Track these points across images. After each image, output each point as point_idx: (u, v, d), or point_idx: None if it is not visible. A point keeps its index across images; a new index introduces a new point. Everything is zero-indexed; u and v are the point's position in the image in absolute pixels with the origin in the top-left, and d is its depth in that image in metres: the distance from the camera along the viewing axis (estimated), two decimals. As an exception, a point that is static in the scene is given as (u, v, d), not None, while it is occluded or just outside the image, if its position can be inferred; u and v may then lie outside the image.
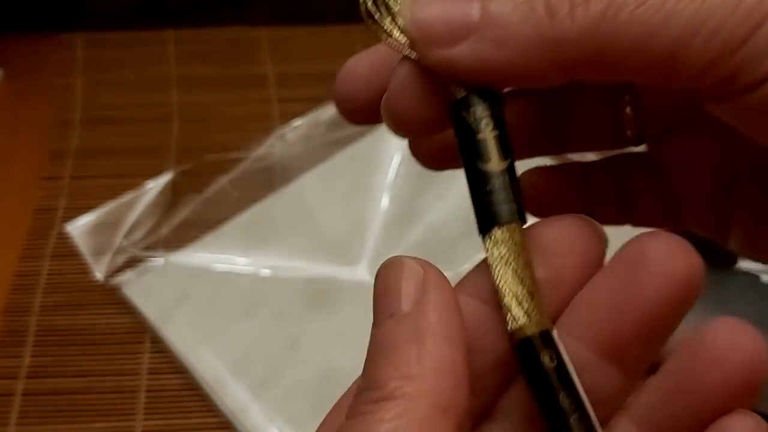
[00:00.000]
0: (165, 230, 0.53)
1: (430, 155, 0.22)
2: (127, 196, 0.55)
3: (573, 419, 0.17)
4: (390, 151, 0.58)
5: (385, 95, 0.19)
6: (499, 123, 0.18)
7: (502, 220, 0.18)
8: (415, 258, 0.17)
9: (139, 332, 0.50)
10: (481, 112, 0.18)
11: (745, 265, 0.49)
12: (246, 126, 0.62)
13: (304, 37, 0.71)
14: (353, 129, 0.60)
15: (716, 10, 0.16)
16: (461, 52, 0.17)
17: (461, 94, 0.18)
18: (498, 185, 0.18)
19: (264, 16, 0.71)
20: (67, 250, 0.53)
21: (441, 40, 0.17)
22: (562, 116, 0.22)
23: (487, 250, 0.18)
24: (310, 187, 0.57)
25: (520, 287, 0.17)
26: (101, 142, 0.62)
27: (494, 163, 0.18)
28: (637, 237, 0.17)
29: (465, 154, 0.18)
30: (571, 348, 0.17)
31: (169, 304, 0.50)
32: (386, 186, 0.56)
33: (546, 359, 0.17)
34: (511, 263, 0.17)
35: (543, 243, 0.18)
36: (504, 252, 0.17)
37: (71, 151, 0.61)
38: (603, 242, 0.18)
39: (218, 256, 0.52)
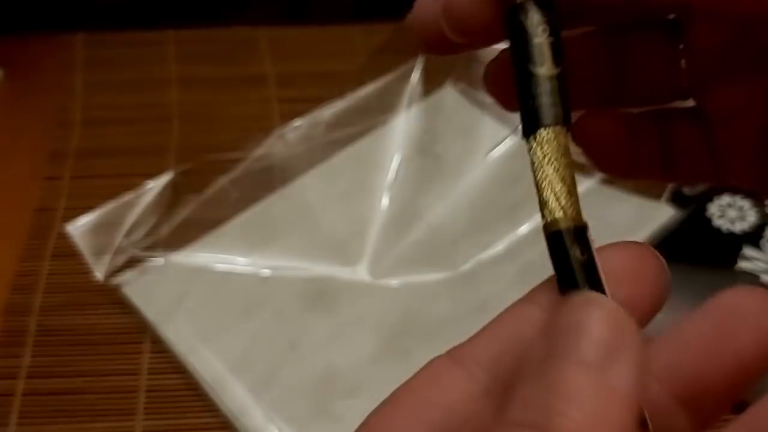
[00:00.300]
0: (165, 230, 0.53)
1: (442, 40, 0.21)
2: (127, 196, 0.55)
3: None
4: (390, 151, 0.58)
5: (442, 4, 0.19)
6: (554, 30, 0.19)
7: (549, 122, 0.18)
8: (614, 303, 0.17)
9: (139, 332, 0.50)
10: (538, 18, 0.19)
11: (745, 265, 0.49)
12: (246, 126, 0.62)
13: (304, 37, 0.71)
14: (353, 129, 0.60)
15: None
16: None
17: None
18: (548, 89, 0.18)
19: (264, 16, 0.71)
20: (67, 250, 0.53)
21: None
22: (621, 67, 0.22)
23: (531, 150, 0.18)
24: (310, 187, 0.57)
25: (561, 185, 0.18)
26: (101, 142, 0.62)
27: (547, 68, 0.18)
28: (733, 289, 0.18)
29: (518, 58, 0.19)
30: (648, 387, 0.17)
31: (169, 304, 0.50)
32: (386, 186, 0.56)
33: (576, 252, 0.17)
34: (553, 162, 0.18)
35: (615, 269, 0.18)
36: (548, 151, 0.18)
37: (71, 151, 0.61)
38: (668, 274, 0.19)
39: (218, 256, 0.52)
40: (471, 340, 0.19)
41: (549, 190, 0.18)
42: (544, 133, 0.18)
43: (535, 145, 0.18)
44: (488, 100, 0.43)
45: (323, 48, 0.69)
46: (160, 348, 0.49)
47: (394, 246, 0.53)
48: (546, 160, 0.18)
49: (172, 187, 0.56)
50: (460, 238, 0.53)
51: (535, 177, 0.18)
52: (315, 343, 0.48)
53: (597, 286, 0.17)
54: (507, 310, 0.19)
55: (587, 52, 0.22)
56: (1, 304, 0.51)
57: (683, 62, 0.22)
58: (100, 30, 0.71)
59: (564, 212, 0.17)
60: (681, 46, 0.22)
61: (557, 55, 0.19)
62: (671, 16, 0.23)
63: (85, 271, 0.51)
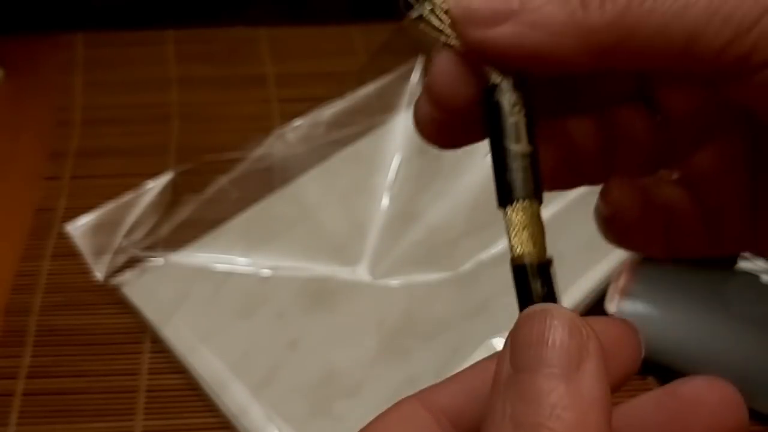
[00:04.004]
0: (165, 230, 0.53)
1: (439, 131, 0.22)
2: (127, 196, 0.55)
3: None
4: (390, 151, 0.58)
5: (425, 84, 0.21)
6: (529, 110, 0.20)
7: (524, 195, 0.20)
8: (572, 312, 0.17)
9: (139, 332, 0.50)
10: (514, 97, 0.20)
11: (745, 265, 0.49)
12: (246, 126, 0.62)
13: (304, 37, 0.71)
14: (353, 129, 0.60)
15: None
16: (499, 33, 0.19)
17: (496, 78, 0.20)
18: (524, 165, 0.20)
19: (264, 16, 0.71)
20: (67, 250, 0.53)
21: (483, 22, 0.19)
22: (611, 142, 0.23)
23: (506, 216, 0.20)
24: (310, 187, 0.57)
25: (533, 248, 0.19)
26: (101, 142, 0.62)
27: (523, 146, 0.20)
28: (695, 379, 0.19)
29: (495, 135, 0.20)
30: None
31: (169, 304, 0.50)
32: (386, 186, 0.56)
33: (537, 286, 0.19)
34: (528, 227, 0.20)
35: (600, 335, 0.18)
36: (523, 219, 0.20)
37: (71, 151, 0.61)
38: (642, 350, 0.20)
39: (218, 256, 0.52)
40: (440, 386, 0.20)
41: (521, 246, 0.19)
42: (520, 204, 0.20)
43: (511, 212, 0.20)
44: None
45: (323, 48, 0.69)
46: (160, 348, 0.49)
47: (394, 246, 0.53)
48: (521, 225, 0.20)
49: (172, 187, 0.56)
50: (460, 238, 0.53)
51: (510, 238, 0.20)
52: (315, 343, 0.48)
53: None
54: (477, 363, 0.20)
55: (578, 132, 0.23)
56: (1, 304, 0.51)
57: (664, 132, 0.23)
58: (100, 30, 0.71)
59: (530, 249, 0.19)
60: (659, 118, 0.23)
61: (531, 133, 0.20)
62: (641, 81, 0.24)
63: (85, 271, 0.51)
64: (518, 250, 0.19)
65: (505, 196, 0.20)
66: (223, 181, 0.56)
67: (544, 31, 0.18)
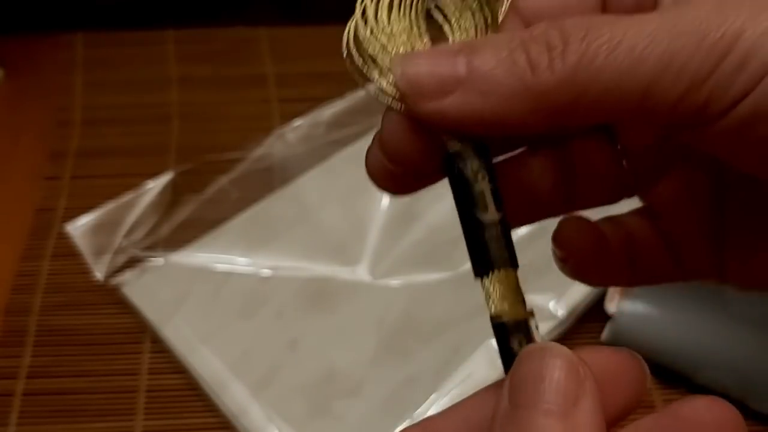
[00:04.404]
0: (165, 230, 0.53)
1: (392, 180, 0.22)
2: (127, 196, 0.55)
3: None
4: (390, 151, 0.58)
5: (377, 138, 0.20)
6: (492, 175, 0.19)
7: (500, 265, 0.19)
8: (569, 351, 0.18)
9: (139, 332, 0.50)
10: (476, 165, 0.19)
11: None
12: (246, 126, 0.62)
13: (304, 37, 0.71)
14: (353, 129, 0.60)
15: (681, 49, 0.17)
16: (449, 103, 0.18)
17: (455, 146, 0.19)
18: (495, 234, 0.19)
19: (264, 16, 0.71)
20: (67, 250, 0.53)
21: (431, 94, 0.18)
22: (571, 175, 0.23)
23: (484, 288, 0.19)
24: (310, 187, 0.57)
25: (510, 309, 0.19)
26: (101, 142, 0.62)
27: (491, 213, 0.19)
28: (695, 399, 0.18)
29: (462, 205, 0.20)
30: None
31: (169, 304, 0.50)
32: (386, 186, 0.56)
33: (515, 343, 0.19)
34: (507, 298, 0.19)
35: (598, 369, 0.18)
36: (500, 289, 0.19)
37: (71, 151, 0.61)
38: (646, 376, 0.20)
39: (218, 256, 0.52)
40: (443, 415, 0.20)
41: (499, 308, 0.19)
42: (494, 276, 0.19)
43: (488, 284, 0.19)
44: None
45: (323, 48, 0.69)
46: (160, 348, 0.49)
47: (394, 246, 0.53)
48: (500, 297, 0.19)
49: (172, 187, 0.56)
50: (460, 238, 0.52)
51: (490, 310, 0.19)
52: (315, 343, 0.48)
53: None
54: (478, 392, 0.20)
55: (536, 168, 0.23)
56: (1, 304, 0.51)
57: (624, 162, 0.23)
58: (100, 30, 0.71)
59: (507, 309, 0.19)
60: (619, 147, 0.23)
61: (498, 200, 0.19)
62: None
63: (85, 271, 0.51)
64: (496, 311, 0.19)
65: (479, 269, 0.19)
66: (223, 181, 0.56)
67: (495, 98, 0.18)
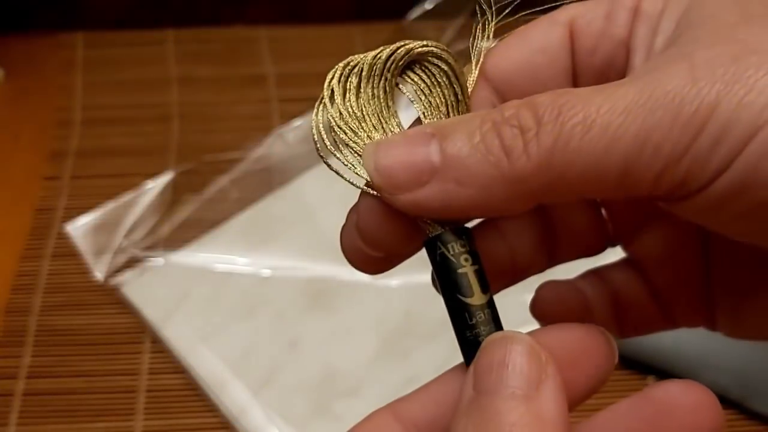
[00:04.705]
0: (165, 230, 0.53)
1: (366, 262, 0.22)
2: (127, 196, 0.55)
3: None
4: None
5: (353, 222, 0.20)
6: (475, 258, 0.19)
7: None
8: (530, 338, 0.18)
9: (139, 332, 0.50)
10: (458, 249, 0.19)
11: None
12: (246, 126, 0.62)
13: (304, 37, 0.71)
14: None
15: (657, 126, 0.16)
16: (426, 194, 0.18)
17: (436, 231, 0.19)
18: (481, 318, 0.19)
19: (264, 16, 0.71)
20: (67, 250, 0.53)
21: (405, 186, 0.18)
22: (552, 234, 0.23)
23: None
24: (310, 187, 0.57)
25: None
26: (101, 142, 0.62)
27: (476, 297, 0.19)
28: (670, 383, 0.18)
29: (446, 289, 0.19)
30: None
31: (169, 304, 0.50)
32: (386, 186, 0.56)
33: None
34: None
35: (562, 349, 0.18)
36: None
37: (71, 151, 0.61)
38: (615, 354, 0.19)
39: (218, 256, 0.52)
40: (412, 397, 0.20)
41: None
42: None
43: None
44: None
45: (323, 48, 0.69)
46: (160, 348, 0.49)
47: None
48: None
49: (172, 187, 0.56)
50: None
51: None
52: (315, 343, 0.48)
53: None
54: (446, 373, 0.20)
55: (519, 225, 0.22)
56: (1, 304, 0.51)
57: (605, 213, 0.23)
58: (100, 30, 0.71)
59: None
60: (599, 201, 0.23)
61: (483, 281, 0.19)
62: None
63: (85, 271, 0.51)
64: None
65: (470, 356, 0.18)
66: (223, 181, 0.56)
67: (471, 187, 0.17)
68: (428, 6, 0.63)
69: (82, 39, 0.71)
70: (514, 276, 0.22)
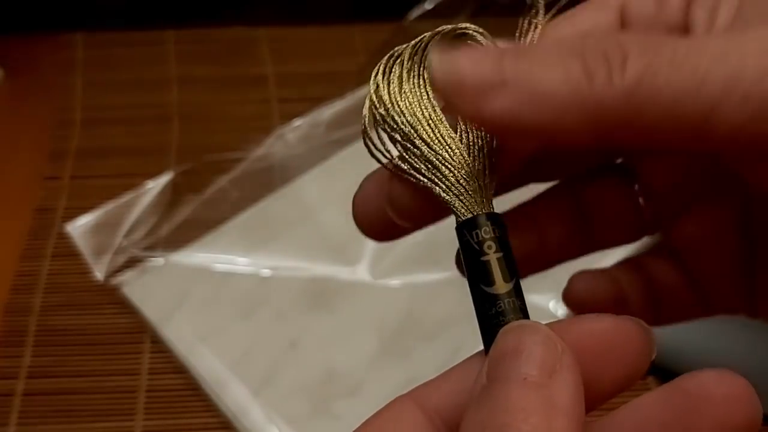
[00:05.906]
0: (165, 230, 0.53)
1: (385, 231, 0.22)
2: (127, 196, 0.55)
3: None
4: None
5: (369, 191, 0.21)
6: (502, 245, 0.18)
7: None
8: (546, 328, 0.17)
9: (139, 332, 0.50)
10: (482, 236, 0.18)
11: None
12: (246, 126, 0.62)
13: (304, 37, 0.71)
14: (353, 129, 0.60)
15: (748, 73, 0.15)
16: (493, 107, 0.17)
17: (467, 215, 0.19)
18: (503, 307, 0.18)
19: (264, 16, 0.71)
20: (67, 250, 0.53)
21: (473, 94, 0.17)
22: (586, 217, 0.22)
23: None
24: (310, 187, 0.57)
25: None
26: (101, 142, 0.62)
27: (498, 286, 0.18)
28: (702, 373, 0.17)
29: (470, 276, 0.19)
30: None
31: (169, 304, 0.50)
32: (386, 186, 0.56)
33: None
34: None
35: (587, 342, 0.18)
36: None
37: (71, 151, 0.61)
38: (651, 351, 0.18)
39: (218, 256, 0.52)
40: (433, 384, 0.19)
41: None
42: None
43: None
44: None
45: (323, 48, 0.69)
46: (160, 348, 0.49)
47: (394, 246, 0.52)
48: None
49: (172, 187, 0.56)
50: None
51: None
52: (315, 343, 0.48)
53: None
54: (468, 360, 0.19)
55: (553, 213, 0.22)
56: (1, 304, 0.51)
57: (641, 201, 0.23)
58: (100, 30, 0.71)
59: None
60: (636, 187, 0.22)
61: (509, 269, 0.18)
62: (619, 161, 0.23)
63: (85, 271, 0.51)
64: None
65: (489, 344, 0.18)
66: (223, 181, 0.56)
67: (544, 106, 0.16)
68: (428, 6, 0.63)
69: (82, 39, 0.71)
70: (544, 261, 0.22)
